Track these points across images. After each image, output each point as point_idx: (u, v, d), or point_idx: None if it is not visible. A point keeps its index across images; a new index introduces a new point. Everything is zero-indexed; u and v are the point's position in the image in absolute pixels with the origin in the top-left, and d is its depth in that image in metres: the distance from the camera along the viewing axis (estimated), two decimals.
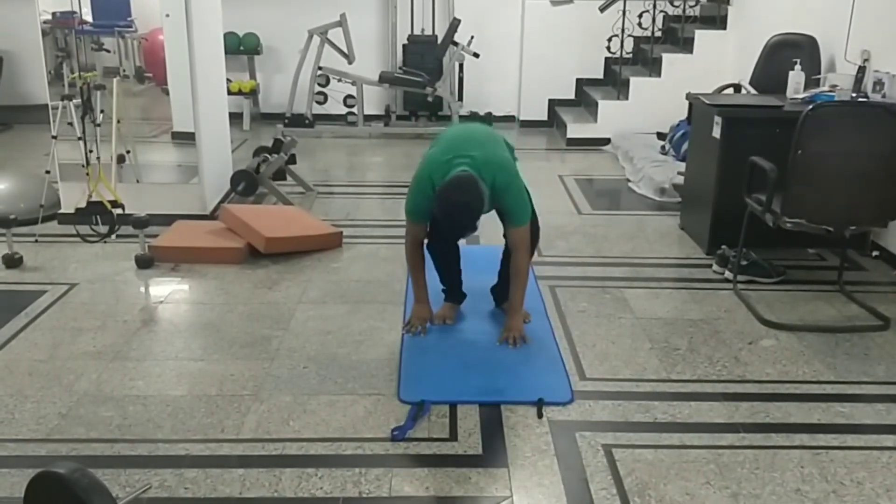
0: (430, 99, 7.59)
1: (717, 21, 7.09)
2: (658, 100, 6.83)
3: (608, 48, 7.50)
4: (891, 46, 4.35)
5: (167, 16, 5.15)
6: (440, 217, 3.17)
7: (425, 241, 3.45)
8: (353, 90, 7.61)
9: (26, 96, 7.59)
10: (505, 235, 3.36)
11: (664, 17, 7.56)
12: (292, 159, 5.76)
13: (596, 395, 3.02)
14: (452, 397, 2.97)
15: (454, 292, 3.66)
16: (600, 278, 4.09)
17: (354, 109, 7.69)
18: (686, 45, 7.18)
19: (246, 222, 4.41)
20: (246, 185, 5.33)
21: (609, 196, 6.04)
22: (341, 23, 7.29)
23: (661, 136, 6.58)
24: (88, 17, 5.20)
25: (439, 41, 7.70)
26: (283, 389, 3.04)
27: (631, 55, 7.61)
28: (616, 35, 7.30)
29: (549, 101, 8.09)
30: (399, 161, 6.88)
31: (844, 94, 4.36)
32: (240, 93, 7.65)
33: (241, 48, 7.90)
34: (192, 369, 3.20)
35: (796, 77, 4.62)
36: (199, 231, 4.59)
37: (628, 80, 7.18)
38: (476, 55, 7.50)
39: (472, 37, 7.50)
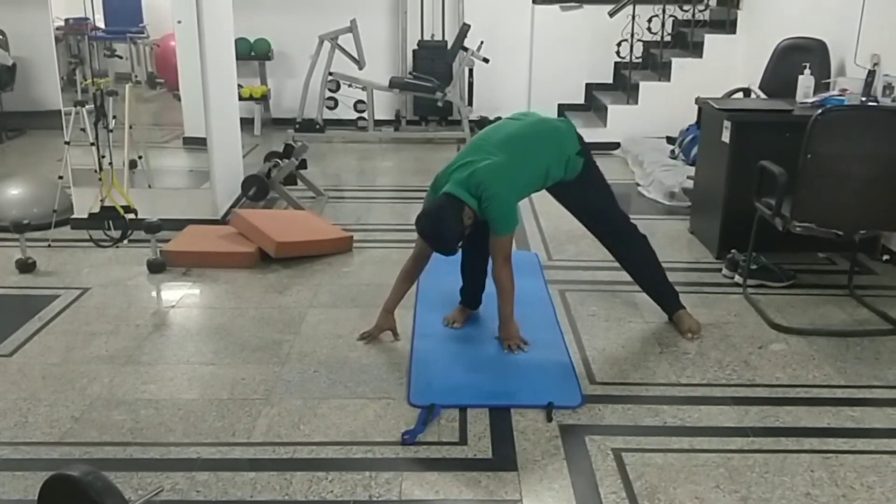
0: (440, 104, 7.62)
1: (726, 25, 7.08)
2: (668, 104, 6.82)
3: (618, 53, 7.52)
4: None
5: (179, 22, 5.19)
6: None
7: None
8: (363, 95, 7.65)
9: (39, 102, 7.66)
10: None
11: (674, 21, 7.57)
12: (303, 164, 5.79)
13: (606, 399, 3.02)
14: (462, 401, 2.98)
15: (470, 298, 3.68)
16: (610, 282, 4.09)
17: (365, 114, 7.73)
18: (696, 50, 7.18)
19: (257, 227, 4.44)
20: (257, 189, 5.36)
21: (619, 200, 5.99)
22: (352, 28, 7.32)
23: (670, 140, 6.58)
24: (101, 24, 5.25)
25: (449, 46, 7.73)
26: (293, 393, 3.05)
27: (640, 60, 7.62)
28: (625, 40, 7.31)
29: (559, 105, 8.11)
30: (409, 165, 6.91)
31: (854, 99, 4.35)
32: (251, 98, 7.70)
33: (253, 54, 7.95)
34: (204, 373, 3.22)
35: (806, 81, 4.62)
36: (210, 236, 4.62)
37: (638, 85, 7.19)
38: (486, 60, 7.52)
39: (482, 42, 7.52)
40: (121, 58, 5.63)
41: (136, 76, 5.69)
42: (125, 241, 4.59)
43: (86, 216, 4.67)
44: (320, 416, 2.90)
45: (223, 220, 4.96)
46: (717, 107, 4.56)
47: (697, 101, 4.99)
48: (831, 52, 5.03)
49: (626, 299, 3.92)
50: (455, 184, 3.24)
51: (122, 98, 4.86)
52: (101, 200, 4.58)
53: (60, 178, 4.82)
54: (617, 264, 3.75)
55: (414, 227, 3.39)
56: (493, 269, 3.33)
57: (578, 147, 3.45)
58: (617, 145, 7.13)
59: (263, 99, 7.95)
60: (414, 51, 7.97)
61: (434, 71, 7.62)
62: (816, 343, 3.50)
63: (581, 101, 8.11)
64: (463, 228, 3.22)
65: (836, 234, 3.63)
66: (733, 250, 4.22)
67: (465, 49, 7.49)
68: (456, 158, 3.38)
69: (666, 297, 3.70)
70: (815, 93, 4.58)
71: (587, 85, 8.09)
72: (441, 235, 3.24)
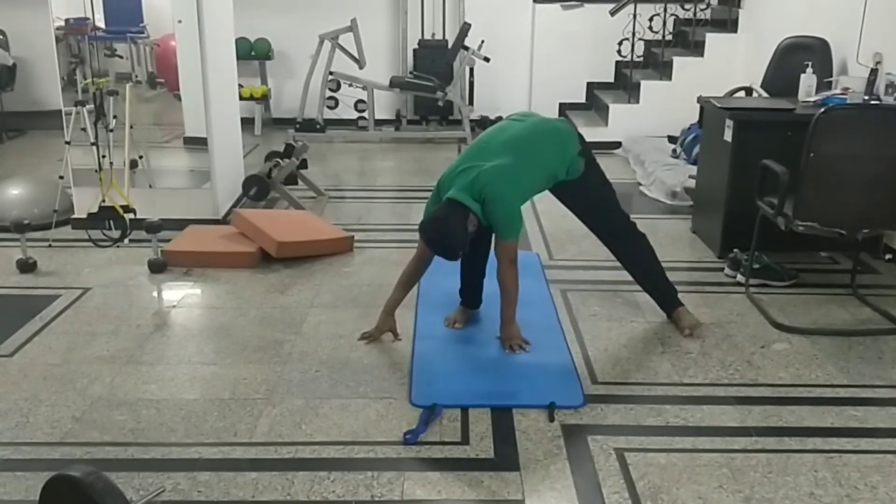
0: (440, 103, 7.61)
1: (727, 24, 7.07)
2: (669, 103, 6.81)
3: (619, 52, 7.51)
4: None
5: (179, 22, 5.19)
6: None
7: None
8: (363, 95, 7.64)
9: (40, 102, 7.65)
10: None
11: (675, 20, 7.56)
12: (304, 164, 5.78)
13: (608, 399, 3.01)
14: (464, 401, 2.97)
15: (469, 298, 3.67)
16: (612, 282, 4.08)
17: (365, 114, 7.72)
18: (697, 49, 7.17)
19: (258, 227, 4.43)
20: (258, 189, 5.35)
21: (620, 199, 5.96)
22: (352, 28, 7.32)
23: (672, 139, 6.57)
24: (101, 24, 5.23)
25: (450, 46, 7.72)
26: (295, 393, 3.05)
27: (642, 59, 7.61)
28: (627, 39, 7.30)
29: (560, 104, 8.09)
30: (410, 165, 6.90)
31: (856, 97, 4.34)
32: (251, 98, 7.69)
33: (253, 53, 7.94)
34: (205, 373, 3.22)
35: (808, 80, 4.61)
36: (211, 236, 4.61)
37: (639, 84, 7.18)
38: (486, 59, 7.52)
39: (483, 41, 7.51)
40: (121, 58, 5.62)
41: (136, 76, 5.68)
42: (125, 241, 4.58)
43: (85, 216, 4.67)
44: (322, 415, 2.89)
45: (224, 220, 4.96)
46: (719, 106, 4.56)
47: (699, 100, 4.98)
48: (833, 50, 5.02)
49: (627, 299, 3.91)
50: (459, 189, 3.22)
51: (123, 98, 4.85)
52: (101, 200, 4.58)
53: (61, 178, 4.82)
54: (618, 264, 3.74)
55: (415, 228, 3.38)
56: (499, 271, 3.31)
57: (579, 147, 3.44)
58: (618, 144, 7.12)
59: (264, 99, 7.95)
60: (414, 50, 7.97)
61: (434, 70, 7.60)
62: (819, 342, 3.49)
63: (582, 100, 8.10)
64: (467, 235, 3.22)
65: (838, 234, 3.62)
66: (735, 249, 4.21)
67: (466, 48, 7.48)
68: (459, 161, 3.37)
69: (665, 295, 3.70)
70: (817, 92, 4.57)
71: (588, 84, 8.08)
72: (446, 243, 3.22)
